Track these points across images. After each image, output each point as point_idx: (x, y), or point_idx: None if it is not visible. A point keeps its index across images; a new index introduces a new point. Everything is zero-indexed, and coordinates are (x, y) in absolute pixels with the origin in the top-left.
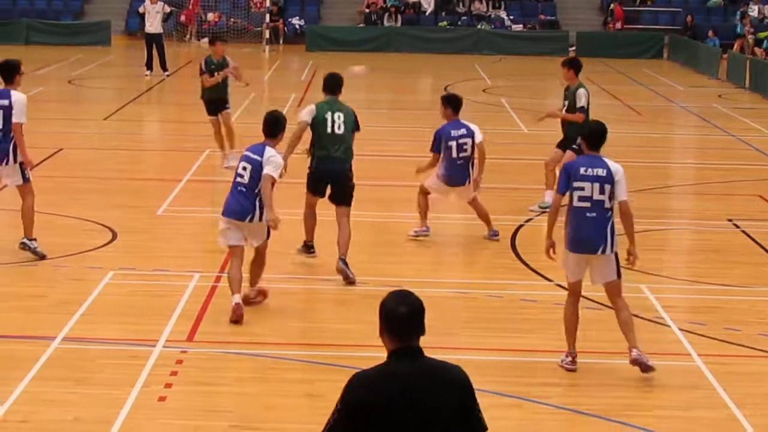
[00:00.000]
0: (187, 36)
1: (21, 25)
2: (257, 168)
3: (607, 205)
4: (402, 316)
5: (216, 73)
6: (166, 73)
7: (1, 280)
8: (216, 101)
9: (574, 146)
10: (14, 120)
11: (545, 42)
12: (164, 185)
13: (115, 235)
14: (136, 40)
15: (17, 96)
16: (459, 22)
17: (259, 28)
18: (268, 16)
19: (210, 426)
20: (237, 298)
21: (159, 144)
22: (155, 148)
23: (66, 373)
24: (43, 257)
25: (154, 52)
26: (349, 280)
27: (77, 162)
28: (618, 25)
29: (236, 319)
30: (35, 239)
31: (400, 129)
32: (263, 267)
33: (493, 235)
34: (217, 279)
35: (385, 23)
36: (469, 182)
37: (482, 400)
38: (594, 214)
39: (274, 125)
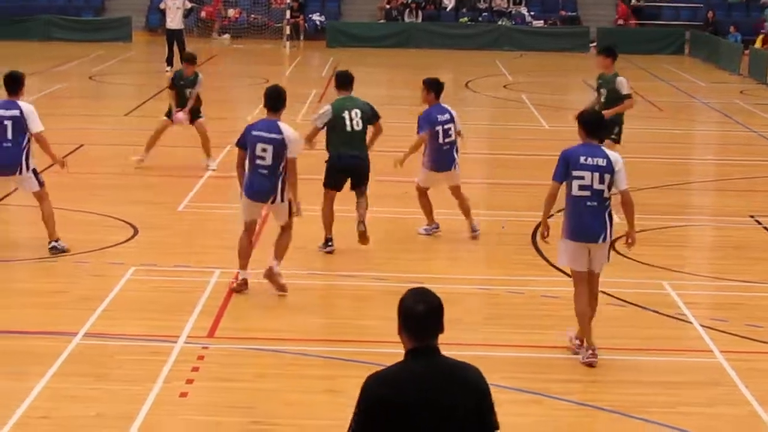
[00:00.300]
0: (214, 33)
1: (41, 21)
2: (278, 147)
3: (606, 194)
4: (420, 314)
5: (187, 91)
6: None
7: (22, 276)
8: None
9: (613, 136)
10: (34, 131)
11: (566, 38)
12: (185, 181)
13: (136, 231)
14: (157, 36)
15: (26, 106)
16: (480, 18)
17: (279, 24)
18: (288, 12)
19: (231, 422)
20: (244, 274)
21: (179, 140)
22: (175, 144)
23: (87, 369)
24: (66, 251)
25: (175, 48)
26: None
27: (98, 158)
28: (621, 22)
29: (239, 290)
30: (59, 238)
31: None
32: (289, 242)
33: (474, 230)
34: (238, 275)
35: (406, 19)
36: (455, 167)
37: (502, 396)
38: (594, 203)
39: (277, 99)
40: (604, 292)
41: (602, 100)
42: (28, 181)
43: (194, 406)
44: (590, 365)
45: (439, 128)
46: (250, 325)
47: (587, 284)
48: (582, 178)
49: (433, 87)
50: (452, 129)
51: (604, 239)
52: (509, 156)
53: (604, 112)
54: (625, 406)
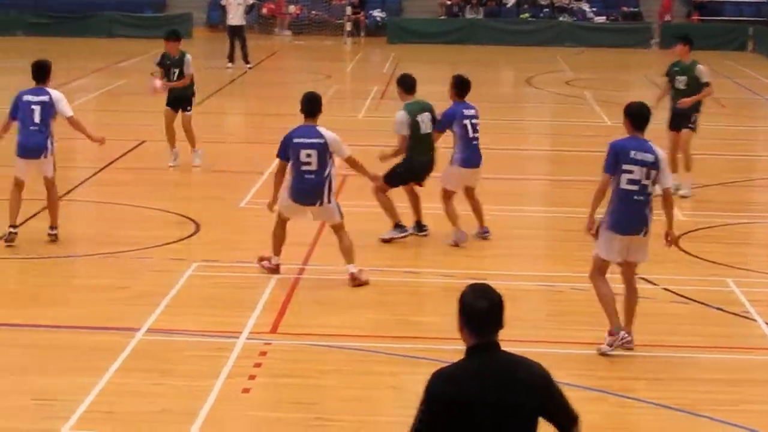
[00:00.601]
0: (276, 29)
1: (103, 18)
2: (322, 151)
3: (650, 189)
4: (481, 311)
5: (173, 71)
6: (248, 65)
7: (85, 272)
8: (179, 99)
9: (690, 124)
10: (67, 115)
11: (627, 34)
12: (246, 177)
13: (198, 227)
14: (217, 33)
15: (55, 93)
16: (541, 14)
17: (340, 21)
18: (349, 9)
19: (293, 418)
20: (277, 260)
21: (241, 136)
22: (237, 140)
23: (151, 365)
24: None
25: (236, 44)
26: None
27: (159, 154)
28: (668, 18)
29: (273, 272)
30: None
31: (481, 122)
32: (351, 245)
33: (484, 232)
34: (300, 271)
35: (467, 15)
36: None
37: (566, 394)
38: (641, 198)
39: (314, 104)
40: (667, 290)
41: (681, 87)
42: (47, 166)
43: (256, 402)
44: (629, 348)
45: (467, 122)
46: (312, 321)
47: (623, 277)
48: (631, 172)
49: (459, 83)
50: (479, 125)
51: (645, 233)
52: (570, 152)
53: (684, 100)
54: (690, 404)
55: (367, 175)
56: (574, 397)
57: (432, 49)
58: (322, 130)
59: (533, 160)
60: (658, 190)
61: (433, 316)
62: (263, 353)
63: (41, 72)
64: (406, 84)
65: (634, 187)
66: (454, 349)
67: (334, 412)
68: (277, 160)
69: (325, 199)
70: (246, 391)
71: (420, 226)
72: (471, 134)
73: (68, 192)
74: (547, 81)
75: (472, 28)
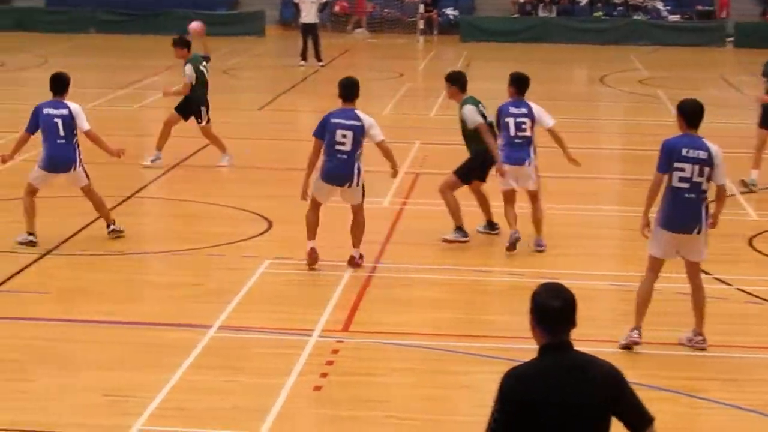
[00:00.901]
0: (349, 27)
1: (175, 15)
2: (358, 134)
3: (704, 186)
4: (555, 310)
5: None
6: (321, 63)
7: (157, 269)
8: (186, 107)
9: None
10: (86, 128)
11: (702, 33)
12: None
13: (270, 225)
14: (290, 31)
15: (74, 106)
16: (614, 13)
17: (413, 19)
18: (422, 7)
19: (365, 416)
20: (312, 244)
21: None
22: (309, 138)
23: (222, 362)
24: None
25: (309, 42)
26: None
27: (232, 151)
28: (724, 14)
29: (311, 263)
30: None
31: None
32: (363, 228)
33: (540, 245)
34: (372, 269)
35: (540, 14)
36: (529, 165)
37: (639, 394)
38: (692, 196)
39: (351, 88)
40: (741, 290)
41: None
42: (80, 177)
43: (328, 400)
44: (628, 348)
45: (511, 120)
46: (384, 319)
47: (688, 276)
48: (682, 170)
49: (515, 82)
50: (527, 125)
51: (698, 231)
52: (643, 151)
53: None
54: (762, 404)
55: (395, 166)
56: (645, 397)
57: (504, 47)
58: (360, 113)
59: (606, 159)
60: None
61: (503, 314)
62: (335, 351)
63: (60, 84)
64: (464, 83)
65: (685, 185)
66: (524, 348)
67: (405, 410)
68: (313, 141)
69: (355, 181)
70: (318, 388)
71: (491, 225)
72: (513, 132)
73: (140, 189)
74: (621, 80)
75: (544, 26)
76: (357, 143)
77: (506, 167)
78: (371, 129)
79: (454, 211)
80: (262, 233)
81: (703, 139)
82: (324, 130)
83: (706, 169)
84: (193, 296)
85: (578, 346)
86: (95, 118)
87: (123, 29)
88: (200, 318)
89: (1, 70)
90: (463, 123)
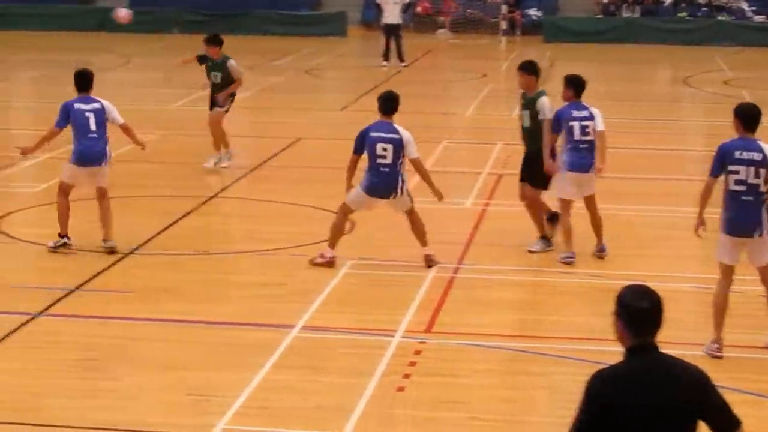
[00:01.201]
0: (437, 27)
1: (257, 16)
2: (398, 146)
3: (762, 188)
4: (643, 311)
5: (213, 75)
6: (403, 63)
7: (241, 269)
8: (216, 100)
9: None
10: (121, 122)
11: None
12: None
13: (353, 225)
14: (372, 31)
15: (105, 101)
16: (698, 13)
17: (495, 19)
18: (505, 7)
19: (447, 417)
20: (331, 253)
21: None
22: None
23: (305, 362)
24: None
25: (392, 43)
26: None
27: (314, 152)
28: None
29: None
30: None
31: (636, 121)
32: (423, 227)
33: (601, 250)
34: (455, 270)
35: (623, 14)
36: (593, 170)
37: (725, 397)
38: (750, 198)
39: (390, 103)
40: None
41: None
42: (104, 174)
43: (411, 401)
44: (717, 357)
45: (575, 124)
46: (467, 321)
47: (762, 281)
48: (737, 172)
49: (573, 84)
50: (590, 128)
51: (760, 234)
52: None
53: None
54: None
55: (431, 185)
56: (731, 401)
57: (588, 48)
58: (398, 127)
59: (690, 161)
60: None
61: (585, 316)
62: (418, 352)
63: (85, 81)
64: (537, 73)
65: (742, 188)
66: (605, 350)
67: (487, 411)
68: (350, 155)
69: (398, 192)
70: (401, 389)
71: (547, 241)
72: (578, 136)
73: (223, 189)
74: (705, 80)
75: (628, 26)
76: (397, 155)
77: (569, 174)
78: (408, 145)
79: (539, 220)
80: (345, 234)
81: (759, 142)
82: (362, 145)
83: (762, 171)
84: (276, 296)
85: (662, 348)
86: (179, 118)
87: (205, 29)
88: (283, 318)
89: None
90: (527, 118)
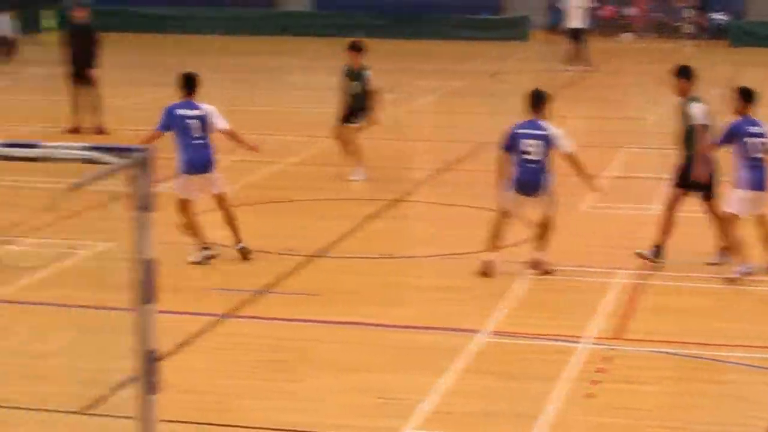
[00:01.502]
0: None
1: (439, 20)
2: (546, 143)
3: None
4: None
5: (353, 85)
6: (587, 68)
7: (427, 272)
8: (353, 112)
9: None
10: (226, 127)
11: None
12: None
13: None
14: (554, 35)
15: (208, 106)
16: None
17: (679, 23)
18: (689, 11)
19: (636, 425)
20: (494, 256)
21: (578, 139)
22: (579, 143)
23: (491, 366)
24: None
25: (576, 47)
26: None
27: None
28: None
29: (486, 273)
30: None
31: None
32: (550, 232)
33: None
34: (642, 276)
35: None
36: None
37: None
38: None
39: (539, 100)
40: None
41: None
42: (220, 180)
43: (601, 408)
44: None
45: (751, 140)
46: (656, 328)
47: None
48: None
49: (744, 95)
50: (765, 143)
51: None
52: None
53: None
54: None
55: (586, 177)
56: None
57: None
58: (545, 124)
59: None
60: None
61: None
62: (606, 358)
63: (190, 84)
64: (692, 78)
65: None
66: None
67: (675, 419)
68: (497, 153)
69: (545, 191)
70: (590, 396)
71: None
72: (752, 154)
73: (408, 193)
74: None
75: None
76: (545, 153)
77: (743, 193)
78: (559, 139)
79: (666, 229)
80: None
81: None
82: (511, 143)
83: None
84: (461, 300)
85: None
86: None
87: (386, 34)
88: (469, 322)
89: (268, 75)
90: (682, 122)
